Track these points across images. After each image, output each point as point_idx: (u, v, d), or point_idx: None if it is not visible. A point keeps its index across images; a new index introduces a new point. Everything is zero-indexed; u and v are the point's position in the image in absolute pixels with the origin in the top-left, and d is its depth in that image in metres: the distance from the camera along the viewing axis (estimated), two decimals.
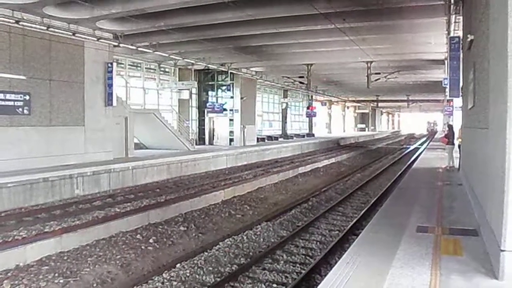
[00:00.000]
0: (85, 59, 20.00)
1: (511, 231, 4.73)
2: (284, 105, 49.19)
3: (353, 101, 71.31)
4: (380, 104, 78.75)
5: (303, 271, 8.59)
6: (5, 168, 15.76)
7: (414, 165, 20.75)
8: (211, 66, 29.26)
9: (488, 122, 6.45)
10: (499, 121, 5.09)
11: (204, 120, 34.40)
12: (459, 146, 16.85)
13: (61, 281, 8.40)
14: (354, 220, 12.43)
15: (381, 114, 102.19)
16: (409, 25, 19.44)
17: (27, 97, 17.27)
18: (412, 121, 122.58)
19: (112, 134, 21.82)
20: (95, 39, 19.69)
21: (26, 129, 17.36)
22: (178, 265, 9.19)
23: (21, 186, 14.61)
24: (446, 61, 20.78)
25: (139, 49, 22.21)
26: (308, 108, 51.47)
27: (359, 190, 18.56)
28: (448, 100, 33.74)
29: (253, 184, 19.21)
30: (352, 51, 24.04)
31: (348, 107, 78.86)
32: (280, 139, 43.67)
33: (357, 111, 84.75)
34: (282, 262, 9.43)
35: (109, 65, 21.22)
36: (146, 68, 29.90)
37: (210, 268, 9.05)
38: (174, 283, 8.32)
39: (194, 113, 34.09)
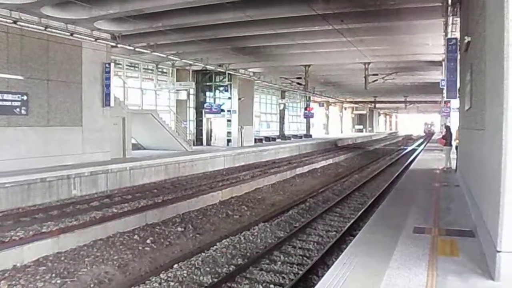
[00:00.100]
0: (83, 59, 19.99)
1: (507, 232, 4.75)
2: (282, 106, 49.25)
3: (351, 102, 71.39)
4: (377, 105, 78.81)
5: (300, 272, 8.61)
6: (2, 168, 15.74)
7: (412, 166, 20.78)
8: (209, 67, 29.27)
9: (485, 124, 6.47)
10: (496, 122, 5.12)
11: (201, 120, 34.38)
12: (456, 148, 16.90)
13: (58, 281, 8.40)
14: (351, 221, 12.46)
15: (379, 115, 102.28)
16: (406, 26, 19.48)
17: (25, 97, 17.26)
18: (409, 122, 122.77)
19: (110, 135, 21.81)
20: (93, 39, 19.69)
21: (24, 129, 17.35)
22: (175, 266, 9.20)
23: (18, 187, 14.59)
24: (443, 63, 20.85)
25: (137, 49, 22.21)
26: (305, 109, 51.51)
27: (357, 191, 18.59)
28: (445, 102, 33.75)
29: (250, 185, 19.22)
30: (350, 52, 24.09)
31: (345, 108, 78.93)
32: (277, 140, 43.66)
33: (355, 112, 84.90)
34: (279, 262, 9.45)
35: (107, 65, 21.21)
36: (144, 68, 29.88)
37: (208, 269, 9.06)
38: (172, 283, 8.33)
39: (191, 113, 34.07)
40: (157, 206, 14.06)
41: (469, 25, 10.22)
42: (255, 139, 37.67)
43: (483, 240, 6.28)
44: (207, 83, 34.35)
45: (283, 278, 8.53)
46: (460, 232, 7.41)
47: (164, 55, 24.41)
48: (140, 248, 10.68)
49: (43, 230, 11.39)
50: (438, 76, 30.97)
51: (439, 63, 26.25)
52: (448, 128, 18.58)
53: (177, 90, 31.41)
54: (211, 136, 34.66)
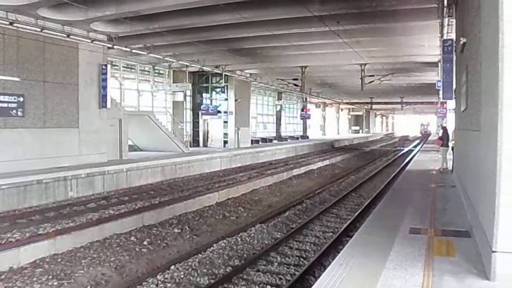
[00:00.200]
0: (79, 61, 19.97)
1: (503, 233, 4.78)
2: (279, 107, 49.29)
3: (347, 103, 71.50)
4: (374, 106, 78.97)
5: (297, 273, 8.62)
6: None
7: (408, 167, 20.84)
8: (205, 68, 29.26)
9: (480, 124, 6.51)
10: (491, 123, 5.15)
11: (198, 122, 34.38)
12: (452, 148, 16.96)
13: (55, 283, 8.39)
14: (348, 222, 12.48)
15: (375, 116, 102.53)
16: (402, 27, 19.54)
17: (21, 99, 17.23)
18: (406, 123, 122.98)
19: (106, 136, 21.78)
20: (89, 41, 19.66)
21: (20, 131, 17.32)
22: (172, 267, 9.20)
23: (15, 188, 14.56)
24: (439, 64, 20.87)
25: (134, 51, 22.21)
26: (302, 110, 51.56)
27: (353, 192, 18.62)
28: (441, 103, 33.83)
29: (247, 186, 19.23)
30: (346, 53, 24.13)
31: (342, 109, 79.06)
32: (274, 141, 43.68)
33: (351, 113, 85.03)
34: (276, 264, 9.46)
35: (103, 67, 21.20)
36: (140, 70, 29.86)
37: (204, 270, 9.06)
38: (168, 285, 8.33)
39: (188, 115, 34.07)
40: (154, 208, 14.04)
41: (464, 27, 10.26)
42: (252, 141, 37.65)
43: (479, 241, 6.31)
44: (204, 85, 34.38)
45: (280, 279, 8.54)
46: (456, 233, 7.44)
47: (161, 57, 24.40)
48: (137, 249, 10.67)
49: (39, 232, 11.37)
50: (434, 77, 31.04)
51: (435, 64, 26.29)
52: (445, 129, 18.64)
53: (173, 91, 31.41)
54: (207, 137, 34.66)
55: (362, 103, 72.64)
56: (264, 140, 41.68)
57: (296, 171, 25.16)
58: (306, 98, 51.43)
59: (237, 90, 33.66)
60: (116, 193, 17.65)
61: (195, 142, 33.89)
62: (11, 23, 16.11)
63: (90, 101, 20.65)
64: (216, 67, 29.97)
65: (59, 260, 9.66)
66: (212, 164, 25.57)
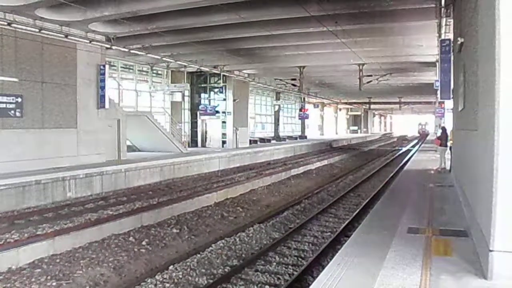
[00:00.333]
0: (78, 61, 19.96)
1: (500, 232, 4.80)
2: (277, 107, 49.30)
3: (346, 103, 71.54)
4: (372, 106, 78.94)
5: (295, 273, 8.64)
6: None
7: (406, 167, 20.88)
8: (203, 69, 29.25)
9: (477, 124, 6.53)
10: (488, 123, 5.18)
11: (196, 122, 34.35)
12: (450, 148, 17.00)
13: (54, 283, 8.40)
14: (346, 222, 12.51)
15: (374, 116, 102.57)
16: (400, 27, 19.57)
17: (20, 100, 17.22)
18: (404, 123, 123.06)
19: (105, 137, 21.77)
20: (88, 41, 19.65)
21: (19, 132, 17.31)
22: (171, 267, 9.21)
23: (13, 189, 14.55)
24: (437, 64, 20.93)
25: (132, 51, 22.21)
26: (300, 110, 51.54)
27: (351, 192, 18.66)
28: (439, 102, 33.90)
29: (245, 186, 19.25)
30: (344, 53, 24.14)
31: (340, 109, 79.10)
32: (272, 141, 43.68)
33: (350, 113, 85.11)
34: (274, 263, 9.48)
35: (102, 67, 21.19)
36: (138, 70, 29.83)
37: (203, 270, 9.08)
38: (167, 285, 8.35)
39: (186, 115, 34.03)
40: (152, 208, 14.05)
41: (462, 27, 10.29)
42: (250, 141, 37.64)
43: (476, 240, 6.33)
44: (202, 85, 34.34)
45: (278, 279, 8.56)
46: (454, 232, 7.47)
47: (159, 57, 24.39)
48: (135, 250, 10.68)
49: (38, 233, 11.36)
50: (432, 77, 31.12)
51: (433, 64, 26.36)
52: (444, 129, 18.68)
53: (171, 92, 31.38)
54: (206, 137, 34.64)
55: (360, 103, 72.69)
56: (262, 140, 41.67)
57: (294, 171, 25.19)
58: (304, 98, 51.46)
59: (235, 90, 33.66)
60: (115, 194, 17.65)
61: (193, 142, 33.86)
62: (9, 24, 16.11)
63: (88, 101, 20.65)
64: (214, 67, 29.97)
65: (57, 260, 9.67)
66: (210, 164, 25.58)
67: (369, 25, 19.06)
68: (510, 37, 4.64)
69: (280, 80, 38.57)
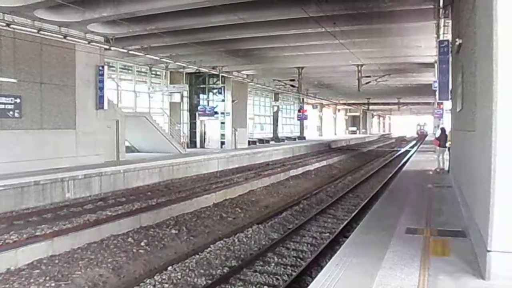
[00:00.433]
0: (76, 62, 19.98)
1: (497, 232, 4.81)
2: (275, 108, 49.34)
3: (344, 104, 71.58)
4: (371, 107, 78.96)
5: (294, 273, 8.65)
6: None
7: (405, 168, 20.89)
8: (202, 69, 29.27)
9: (475, 125, 6.55)
10: (486, 123, 5.19)
11: (195, 123, 34.37)
12: (448, 149, 17.01)
13: (53, 284, 8.39)
14: (345, 222, 12.52)
15: (372, 116, 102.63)
16: (399, 28, 19.62)
17: (18, 100, 17.23)
18: (403, 123, 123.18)
19: (104, 137, 21.79)
20: (86, 42, 19.66)
21: (17, 133, 17.32)
22: (169, 268, 9.21)
23: (12, 190, 14.54)
24: (435, 65, 20.96)
25: (130, 52, 22.22)
26: (299, 111, 51.47)
27: (350, 192, 18.67)
28: (438, 103, 33.97)
29: (244, 187, 19.24)
30: (343, 54, 24.18)
31: (339, 110, 79.16)
32: (271, 142, 43.71)
33: (348, 114, 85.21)
34: (273, 264, 9.49)
35: (100, 68, 21.21)
36: (137, 71, 29.86)
37: (202, 271, 9.09)
38: (166, 285, 8.35)
39: (185, 116, 34.05)
40: (151, 209, 14.05)
41: (460, 28, 10.31)
42: (249, 141, 37.66)
43: (474, 240, 6.34)
44: (201, 86, 34.37)
45: (277, 279, 8.57)
46: (452, 233, 7.48)
47: (158, 58, 24.39)
48: (134, 250, 10.68)
49: (37, 233, 11.36)
50: (430, 77, 31.17)
51: (431, 65, 26.41)
52: (443, 130, 18.69)
53: (170, 92, 31.39)
54: (204, 138, 34.66)
55: (359, 103, 72.77)
56: (261, 141, 41.69)
57: (293, 172, 25.19)
58: (303, 99, 51.48)
59: (234, 91, 33.70)
60: (113, 195, 17.65)
61: (192, 143, 33.88)
62: (8, 25, 16.11)
63: (87, 102, 20.66)
64: (213, 68, 30.01)
65: (56, 261, 9.66)
66: (209, 165, 25.58)
67: (367, 26, 19.12)
68: (507, 38, 4.65)
69: (279, 81, 38.63)
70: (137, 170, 20.20)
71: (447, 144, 17.10)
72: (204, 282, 8.44)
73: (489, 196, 4.85)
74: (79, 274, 8.92)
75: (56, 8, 16.47)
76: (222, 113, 33.18)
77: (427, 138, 58.26)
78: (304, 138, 53.36)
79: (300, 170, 26.22)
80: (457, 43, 10.18)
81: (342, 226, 12.19)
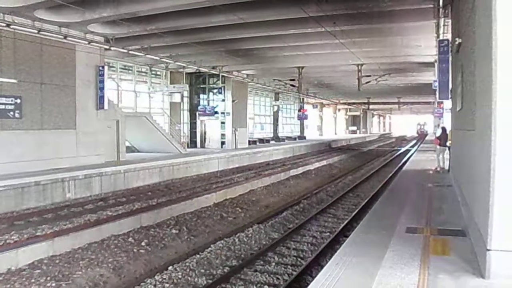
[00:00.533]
0: (77, 62, 19.99)
1: (497, 231, 4.82)
2: (276, 107, 49.34)
3: (344, 103, 71.57)
4: (371, 107, 78.98)
5: (294, 273, 8.67)
6: None
7: (405, 167, 20.89)
8: (202, 69, 29.28)
9: (475, 124, 6.56)
10: (485, 123, 5.20)
11: (195, 123, 34.38)
12: (449, 148, 17.01)
13: (53, 284, 8.41)
14: (345, 222, 12.54)
15: (372, 116, 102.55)
16: (399, 28, 19.62)
17: (18, 101, 17.25)
18: (403, 123, 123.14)
19: (104, 138, 21.81)
20: (87, 42, 19.67)
21: (18, 133, 17.34)
22: (170, 268, 9.23)
23: (12, 190, 14.56)
24: (435, 64, 20.97)
25: (131, 52, 22.23)
26: (299, 110, 51.43)
27: (350, 192, 18.69)
28: (438, 102, 33.95)
29: (245, 186, 19.25)
30: (343, 54, 24.19)
31: (339, 110, 79.12)
32: (271, 142, 43.73)
33: (349, 113, 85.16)
34: (273, 264, 9.51)
35: (101, 68, 21.22)
36: (137, 71, 29.86)
37: (202, 270, 9.10)
38: (166, 285, 8.37)
39: (185, 116, 34.06)
40: (152, 209, 14.06)
41: (460, 27, 10.32)
42: (249, 141, 37.67)
43: (474, 239, 6.35)
44: (201, 86, 34.38)
45: (277, 279, 8.58)
46: (452, 232, 7.48)
47: (158, 58, 24.40)
48: (135, 250, 10.70)
49: (37, 234, 11.36)
50: (430, 77, 31.16)
51: (431, 64, 26.40)
52: (444, 129, 18.68)
53: (170, 92, 31.38)
54: (205, 138, 34.66)
55: (359, 103, 72.76)
56: (261, 140, 41.69)
57: (293, 172, 25.20)
58: (303, 99, 51.48)
59: (234, 91, 33.71)
60: (114, 195, 17.66)
61: (192, 143, 33.89)
62: (8, 25, 16.12)
63: (88, 102, 20.68)
64: (213, 68, 30.02)
65: (57, 261, 9.67)
66: (209, 165, 25.59)
67: (367, 26, 19.13)
68: (506, 37, 4.66)
69: (279, 80, 38.64)
70: (138, 170, 20.21)
71: (448, 143, 17.10)
72: (205, 282, 8.46)
73: (488, 195, 4.86)
74: (79, 274, 8.94)
75: (56, 8, 16.48)
76: (222, 113, 33.19)
77: (427, 138, 58.07)
78: (305, 137, 53.35)
79: (300, 170, 26.23)
80: (456, 43, 10.18)
81: (342, 225, 12.21)
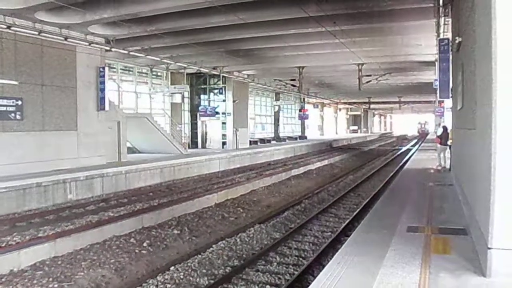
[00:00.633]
0: (77, 63, 20.02)
1: (498, 230, 4.83)
2: (277, 107, 49.33)
3: (345, 103, 71.54)
4: (372, 106, 78.97)
5: (296, 272, 8.68)
6: None
7: (406, 166, 20.89)
8: (203, 70, 29.27)
9: (475, 123, 6.56)
10: (485, 122, 5.21)
11: (196, 123, 34.40)
12: (450, 147, 17.01)
13: (56, 285, 8.43)
14: (347, 222, 12.54)
15: (373, 115, 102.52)
16: (399, 27, 19.61)
17: (20, 102, 17.28)
18: (404, 122, 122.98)
19: (105, 139, 21.83)
20: (87, 43, 19.69)
21: (19, 134, 17.36)
22: (172, 268, 9.25)
23: (14, 191, 14.58)
24: (436, 63, 20.96)
25: (131, 53, 22.21)
26: (300, 110, 51.51)
27: (352, 191, 18.69)
28: (439, 101, 33.93)
29: (246, 187, 19.27)
30: (343, 53, 24.19)
31: (340, 109, 79.10)
32: (272, 142, 43.73)
33: (349, 113, 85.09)
34: (275, 263, 9.52)
35: (101, 69, 21.24)
36: (138, 72, 29.88)
37: (204, 271, 9.12)
38: (168, 285, 8.39)
39: (186, 116, 34.09)
40: (153, 209, 14.07)
41: (460, 26, 10.33)
42: (250, 141, 37.69)
43: (475, 238, 6.36)
44: (202, 86, 34.40)
45: (279, 278, 8.59)
46: (453, 231, 7.48)
47: (158, 59, 24.42)
48: (136, 251, 10.71)
49: (39, 235, 11.39)
50: (431, 76, 31.12)
51: (432, 63, 26.38)
52: (445, 128, 18.68)
53: (171, 93, 31.39)
54: (206, 138, 34.69)
55: (360, 102, 72.71)
56: (262, 140, 41.71)
57: (294, 172, 25.20)
58: (304, 99, 51.45)
59: (235, 91, 33.71)
60: (115, 195, 17.68)
61: (193, 143, 33.92)
62: (8, 27, 16.13)
63: (89, 103, 20.70)
64: (214, 68, 30.02)
65: (59, 262, 9.70)
66: (210, 166, 25.60)
67: (367, 25, 19.12)
68: (506, 36, 4.67)
69: (280, 80, 38.63)
70: (139, 171, 20.23)
71: (449, 142, 17.09)
72: (207, 282, 8.47)
73: (489, 194, 4.87)
74: (81, 275, 8.96)
75: (57, 10, 16.49)
76: (223, 113, 33.20)
77: (428, 137, 57.92)
78: (306, 137, 53.33)
79: (301, 170, 26.24)
80: (457, 41, 10.19)
81: (343, 225, 12.21)
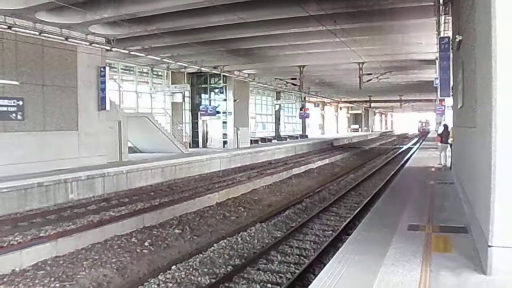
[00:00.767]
0: (78, 63, 20.04)
1: (498, 228, 4.84)
2: (277, 107, 49.31)
3: (346, 102, 71.48)
4: (373, 105, 78.93)
5: (297, 271, 8.69)
6: None
7: (407, 165, 20.89)
8: (203, 69, 29.28)
9: (476, 121, 6.57)
10: (486, 120, 5.21)
11: (197, 123, 34.42)
12: (450, 145, 17.02)
13: (57, 285, 8.45)
14: (348, 220, 12.55)
15: (374, 114, 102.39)
16: (399, 26, 19.60)
17: (21, 103, 17.30)
18: (405, 121, 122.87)
19: (106, 138, 21.85)
20: (88, 43, 19.71)
21: (20, 135, 17.38)
22: (173, 267, 9.27)
23: (15, 191, 14.61)
24: (437, 61, 20.95)
25: (132, 53, 22.25)
26: (301, 109, 51.56)
27: (353, 190, 18.71)
28: (440, 100, 33.94)
29: (247, 186, 19.28)
30: (344, 52, 24.18)
31: (341, 108, 79.06)
32: (273, 141, 43.72)
33: (350, 111, 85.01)
34: (276, 262, 9.54)
35: (102, 69, 21.26)
36: (139, 71, 29.90)
37: (205, 270, 9.14)
38: (170, 284, 8.40)
39: (187, 116, 34.11)
40: (154, 209, 14.10)
41: (460, 24, 10.32)
42: (251, 140, 37.68)
43: (475, 236, 6.37)
44: (202, 85, 34.42)
45: (280, 277, 8.61)
46: (454, 229, 7.49)
47: (159, 58, 24.43)
48: (138, 250, 10.73)
49: (41, 235, 11.42)
50: (432, 74, 31.07)
51: (432, 62, 26.34)
52: (445, 127, 18.69)
53: (172, 92, 31.40)
54: (207, 138, 34.70)
55: (361, 101, 72.69)
56: (263, 140, 41.72)
57: (295, 170, 25.21)
58: (304, 98, 51.51)
59: (236, 90, 33.71)
60: (117, 195, 17.70)
61: (194, 143, 33.95)
62: (9, 27, 16.16)
63: (89, 103, 20.72)
64: (214, 67, 30.03)
65: (61, 262, 9.72)
66: (211, 165, 25.62)
67: (368, 24, 19.10)
68: (506, 35, 4.68)
69: (280, 79, 38.62)
70: (140, 171, 20.25)
71: (449, 141, 17.09)
72: (208, 281, 8.49)
73: (489, 192, 4.88)
74: (83, 275, 8.98)
75: (58, 10, 16.50)
76: (224, 112, 33.23)
77: (429, 136, 57.81)
78: (306, 136, 53.32)
79: (302, 169, 26.24)
80: (457, 40, 10.19)
81: (344, 223, 12.23)
